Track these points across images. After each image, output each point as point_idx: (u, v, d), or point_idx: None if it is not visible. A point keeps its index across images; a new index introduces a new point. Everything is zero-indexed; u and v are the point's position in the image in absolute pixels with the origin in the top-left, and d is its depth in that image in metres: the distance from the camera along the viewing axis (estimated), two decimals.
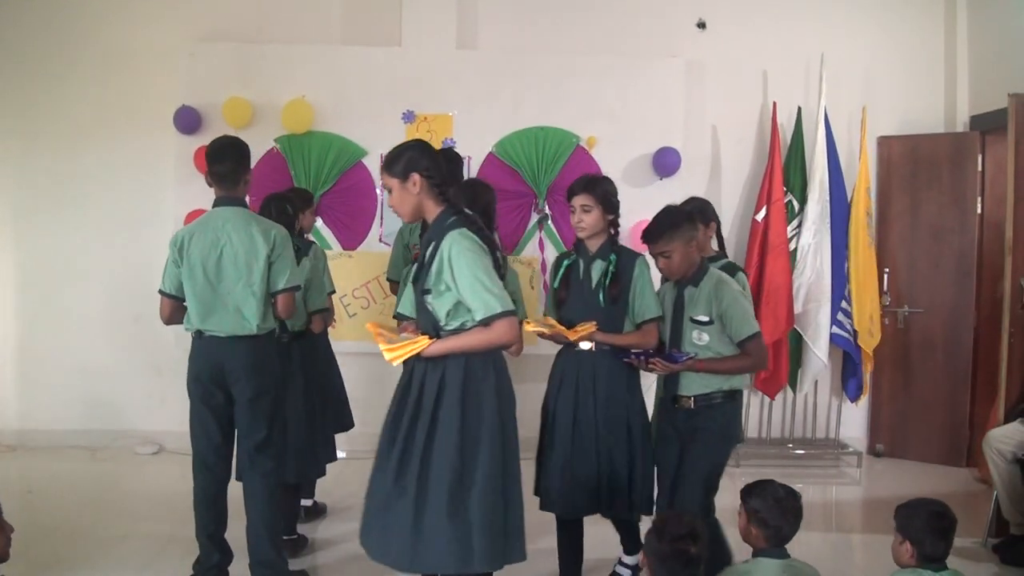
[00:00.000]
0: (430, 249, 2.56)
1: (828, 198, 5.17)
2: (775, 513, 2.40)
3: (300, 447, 3.68)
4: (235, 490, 3.29)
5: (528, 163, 5.19)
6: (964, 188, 5.27)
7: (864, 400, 5.48)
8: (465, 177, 4.47)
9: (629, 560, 3.38)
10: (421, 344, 2.51)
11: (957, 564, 2.50)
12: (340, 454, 4.01)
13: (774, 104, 5.29)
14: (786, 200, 5.22)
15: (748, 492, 2.49)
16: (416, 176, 2.55)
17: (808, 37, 5.36)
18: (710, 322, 3.01)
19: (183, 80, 5.06)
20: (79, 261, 5.30)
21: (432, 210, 2.60)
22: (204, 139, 4.20)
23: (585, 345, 3.07)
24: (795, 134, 5.30)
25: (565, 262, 3.20)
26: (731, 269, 3.47)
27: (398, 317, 2.85)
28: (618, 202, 3.12)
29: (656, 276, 3.17)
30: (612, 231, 3.12)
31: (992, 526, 3.94)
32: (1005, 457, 3.79)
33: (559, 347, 3.19)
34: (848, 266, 5.25)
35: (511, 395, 2.65)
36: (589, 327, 3.01)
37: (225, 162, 3.18)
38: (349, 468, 4.27)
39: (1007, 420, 3.98)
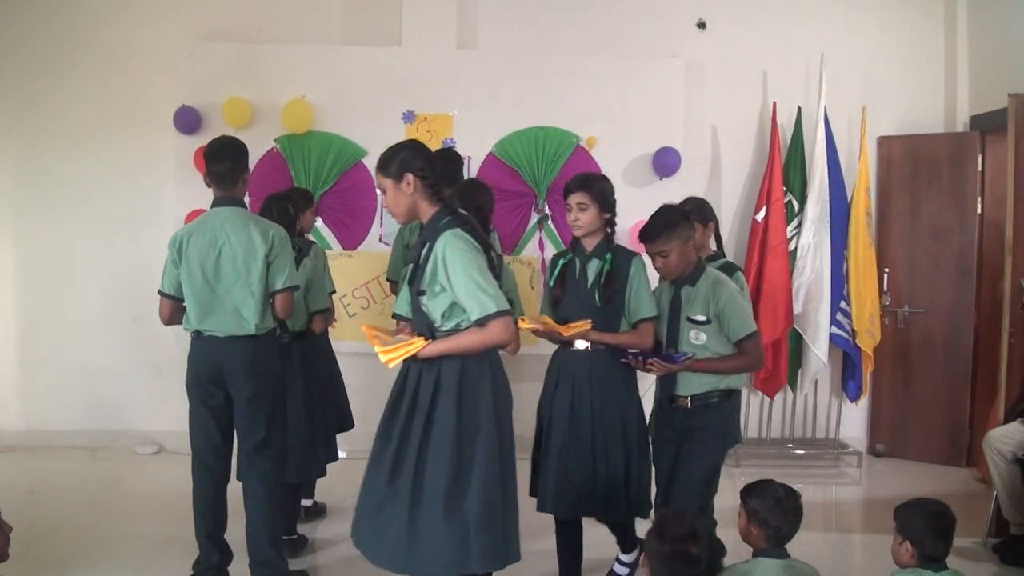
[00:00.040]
0: (424, 250, 2.56)
1: (828, 198, 5.17)
2: (775, 513, 2.40)
3: (300, 447, 3.68)
4: (235, 490, 3.29)
5: (528, 163, 5.19)
6: (964, 188, 5.27)
7: (864, 400, 5.47)
8: (465, 177, 4.48)
9: (626, 558, 3.38)
10: (416, 346, 2.51)
11: (957, 564, 2.50)
12: (340, 454, 4.01)
13: (774, 104, 5.29)
14: (786, 200, 5.22)
15: (748, 492, 2.49)
16: (410, 176, 2.55)
17: (808, 37, 5.36)
18: (707, 321, 3.01)
19: (183, 80, 5.06)
20: (79, 261, 5.30)
21: (426, 210, 2.59)
22: (204, 139, 4.19)
23: (581, 344, 3.07)
24: (795, 134, 5.30)
25: (561, 261, 3.19)
26: (729, 269, 3.47)
27: (396, 318, 2.85)
28: (614, 200, 3.11)
29: (654, 276, 3.16)
30: (608, 230, 3.11)
31: (992, 526, 3.94)
32: (1005, 457, 3.79)
33: (556, 347, 3.19)
34: (847, 266, 5.26)
35: (508, 395, 2.65)
36: (583, 324, 3.00)
37: (223, 162, 3.18)
38: (349, 468, 4.23)
39: (1007, 420, 3.99)
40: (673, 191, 4.96)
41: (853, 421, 5.60)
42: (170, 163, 5.09)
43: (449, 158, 4.23)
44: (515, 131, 5.19)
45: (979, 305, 5.28)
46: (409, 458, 2.50)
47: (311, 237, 4.16)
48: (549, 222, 5.23)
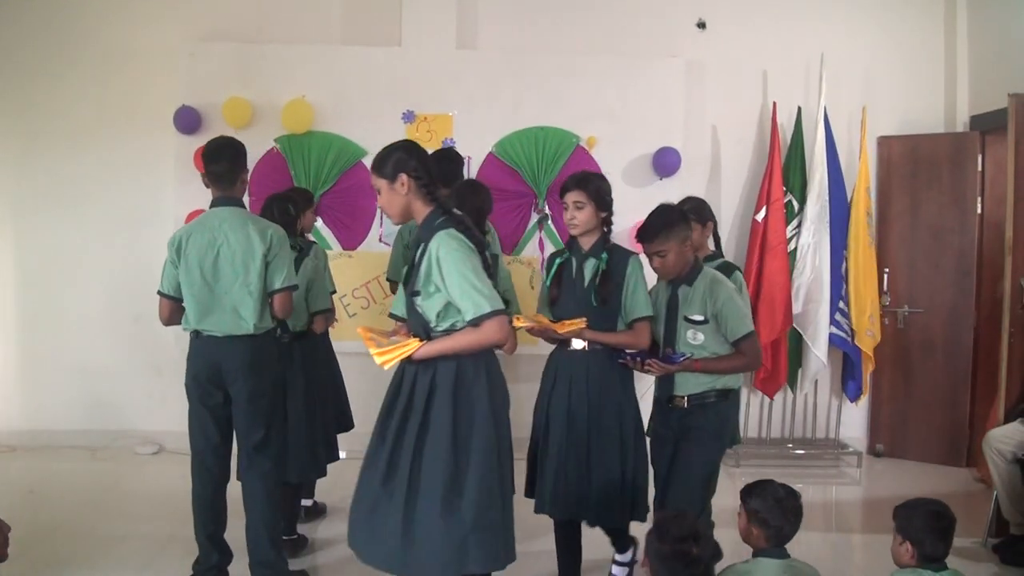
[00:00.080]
0: (419, 250, 2.55)
1: (828, 198, 5.17)
2: (775, 513, 2.40)
3: (301, 447, 3.68)
4: (235, 490, 3.29)
5: (528, 163, 5.19)
6: (964, 188, 5.27)
7: (864, 400, 5.47)
8: (465, 177, 4.48)
9: (621, 558, 3.37)
10: (411, 347, 2.50)
11: (957, 564, 2.50)
12: (341, 454, 4.01)
13: (774, 104, 5.29)
14: (786, 200, 5.22)
15: (748, 492, 2.49)
16: (404, 177, 2.54)
17: (808, 37, 5.36)
18: (705, 321, 3.01)
19: (183, 80, 5.06)
20: (79, 261, 5.30)
21: (421, 211, 2.59)
22: (204, 139, 4.17)
23: (578, 344, 3.07)
24: (795, 134, 5.30)
25: (558, 260, 3.19)
26: (727, 269, 3.47)
27: (393, 318, 2.85)
28: (611, 199, 3.11)
29: (652, 276, 3.16)
30: (605, 229, 3.10)
31: (992, 526, 3.94)
32: (1005, 457, 3.79)
33: (553, 347, 3.18)
34: (846, 266, 5.25)
35: (504, 395, 2.65)
36: (578, 322, 3.00)
37: (221, 162, 3.18)
38: (349, 468, 4.22)
39: (1007, 420, 3.98)
40: (673, 191, 4.95)
41: (853, 421, 5.60)
42: (170, 163, 5.09)
43: (450, 158, 4.24)
44: (515, 131, 5.19)
45: (979, 305, 5.28)
46: (404, 459, 2.49)
47: (311, 237, 4.16)
48: (549, 222, 5.23)
